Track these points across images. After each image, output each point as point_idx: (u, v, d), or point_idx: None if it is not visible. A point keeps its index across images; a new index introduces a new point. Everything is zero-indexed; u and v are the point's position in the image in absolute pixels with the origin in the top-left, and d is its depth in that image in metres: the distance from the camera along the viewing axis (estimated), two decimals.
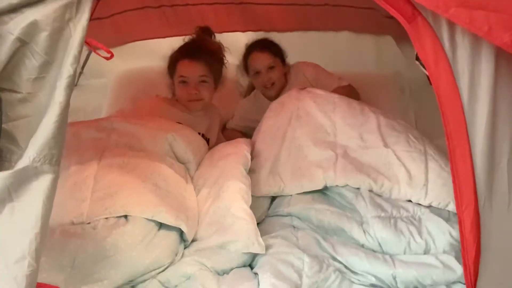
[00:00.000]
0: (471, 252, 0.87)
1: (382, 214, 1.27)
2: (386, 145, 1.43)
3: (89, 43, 0.91)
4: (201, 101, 1.83)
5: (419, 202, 1.30)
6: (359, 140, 1.48)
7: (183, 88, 1.81)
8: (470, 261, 0.88)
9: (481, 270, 0.87)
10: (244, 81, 2.15)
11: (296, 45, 2.11)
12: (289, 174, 1.43)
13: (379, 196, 1.34)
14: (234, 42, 2.11)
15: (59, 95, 0.84)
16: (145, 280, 1.14)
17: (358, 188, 1.35)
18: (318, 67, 2.07)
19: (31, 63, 0.85)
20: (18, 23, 0.83)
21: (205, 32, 1.90)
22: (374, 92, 2.14)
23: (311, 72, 2.04)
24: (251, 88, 2.18)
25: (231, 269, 1.20)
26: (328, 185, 1.37)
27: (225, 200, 1.33)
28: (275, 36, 2.08)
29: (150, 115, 1.71)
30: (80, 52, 0.87)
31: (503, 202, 0.88)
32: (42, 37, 0.84)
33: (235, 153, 1.50)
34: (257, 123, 2.04)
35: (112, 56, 0.93)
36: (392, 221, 1.25)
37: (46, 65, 0.86)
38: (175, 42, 1.98)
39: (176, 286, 1.15)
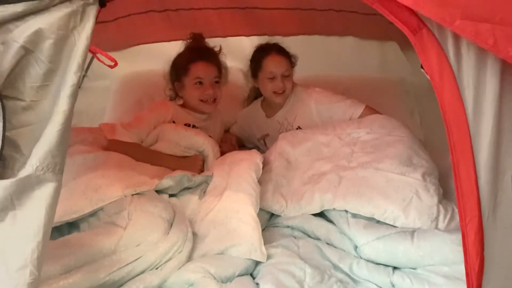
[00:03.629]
0: (474, 266, 0.86)
1: (370, 239, 1.23)
2: (402, 173, 1.37)
3: (93, 51, 0.91)
4: (215, 103, 1.89)
5: None
6: (375, 163, 1.43)
7: (198, 88, 1.86)
8: (473, 275, 0.87)
9: (485, 284, 0.87)
10: (248, 85, 2.11)
11: (300, 49, 2.09)
12: (291, 196, 1.44)
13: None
14: (238, 46, 2.12)
15: (63, 104, 0.84)
16: None
17: (354, 215, 1.32)
18: (323, 98, 1.91)
19: (35, 71, 0.85)
20: (22, 31, 0.83)
21: (200, 38, 1.95)
22: (378, 97, 2.12)
23: (315, 105, 1.91)
24: (253, 97, 2.13)
25: (234, 275, 1.20)
26: (325, 208, 1.37)
27: (233, 202, 1.35)
28: (279, 40, 2.07)
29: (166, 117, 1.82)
30: (84, 60, 0.87)
31: (508, 215, 0.87)
32: (47, 45, 0.84)
33: (248, 159, 1.54)
34: (252, 134, 2.07)
35: (116, 64, 0.93)
36: (382, 241, 1.22)
37: (50, 73, 0.86)
38: (179, 46, 2.00)
39: None
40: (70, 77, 0.85)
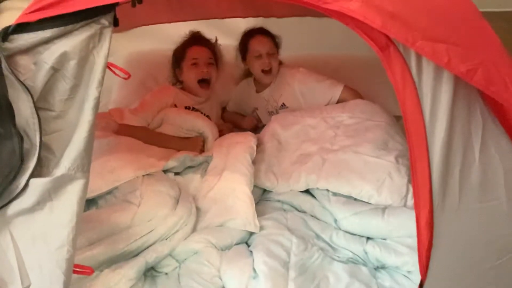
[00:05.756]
0: (425, 245, 1.05)
1: (348, 214, 1.42)
2: (377, 156, 1.54)
3: (109, 66, 1.07)
4: (209, 83, 2.07)
5: None
6: (354, 146, 1.60)
7: (194, 68, 2.05)
8: (423, 250, 1.06)
9: (432, 259, 1.06)
10: (240, 63, 2.26)
11: (294, 30, 2.23)
12: (281, 175, 1.62)
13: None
14: (234, 27, 2.24)
15: (88, 115, 1.01)
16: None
17: (334, 193, 1.51)
18: (305, 78, 2.06)
19: (63, 86, 1.01)
20: (51, 54, 0.99)
21: (196, 33, 2.14)
22: (368, 74, 2.25)
23: (298, 85, 2.07)
24: (245, 76, 2.30)
25: (232, 244, 1.41)
26: (310, 187, 1.56)
27: (230, 182, 1.54)
28: (274, 22, 2.20)
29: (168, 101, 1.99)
30: (103, 76, 1.03)
31: (454, 203, 1.05)
32: (71, 65, 1.00)
33: (243, 142, 1.72)
34: (247, 109, 2.22)
35: (129, 76, 1.09)
36: (358, 216, 1.41)
37: (75, 88, 1.02)
38: (181, 26, 2.15)
39: (184, 259, 1.36)
40: (92, 92, 1.02)
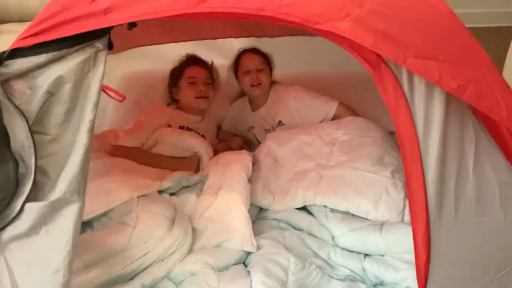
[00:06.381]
0: (422, 258, 1.06)
1: (345, 231, 1.42)
2: (373, 172, 1.55)
3: (104, 89, 1.07)
4: (207, 99, 2.08)
5: None
6: (350, 162, 1.61)
7: (192, 87, 2.07)
8: (421, 265, 1.06)
9: (431, 274, 1.06)
10: (234, 82, 2.28)
11: (286, 49, 2.26)
12: (278, 192, 1.62)
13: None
14: (228, 47, 2.27)
15: (83, 137, 1.01)
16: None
17: (332, 209, 1.51)
18: (301, 95, 2.09)
19: (58, 110, 1.02)
20: (46, 78, 1.00)
21: (193, 56, 2.19)
22: (360, 90, 2.28)
23: (294, 102, 2.09)
24: (240, 96, 2.33)
25: (229, 265, 1.40)
26: (307, 203, 1.56)
27: (227, 201, 1.53)
28: (267, 41, 2.23)
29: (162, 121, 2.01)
30: (98, 99, 1.04)
31: (450, 217, 1.05)
32: (67, 89, 1.01)
33: (239, 161, 1.72)
34: (242, 128, 2.23)
35: (124, 99, 1.09)
36: (355, 232, 1.41)
37: (70, 111, 1.02)
38: (174, 47, 2.17)
39: (182, 281, 1.34)
40: (87, 114, 1.02)
